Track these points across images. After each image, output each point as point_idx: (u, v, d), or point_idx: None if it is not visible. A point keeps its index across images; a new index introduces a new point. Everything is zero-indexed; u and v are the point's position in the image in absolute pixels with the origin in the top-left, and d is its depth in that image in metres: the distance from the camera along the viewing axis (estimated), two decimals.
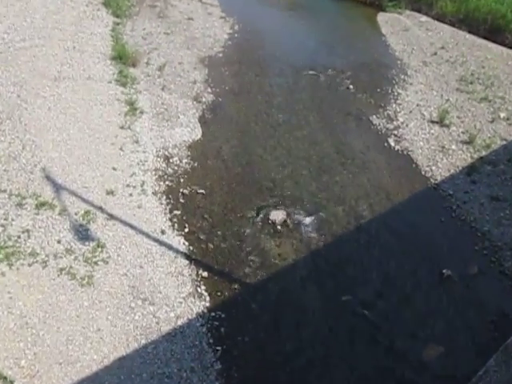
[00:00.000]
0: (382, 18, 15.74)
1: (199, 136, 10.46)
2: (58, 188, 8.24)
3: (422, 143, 10.60)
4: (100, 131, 9.59)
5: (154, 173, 9.37)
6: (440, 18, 14.87)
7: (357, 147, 10.61)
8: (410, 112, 11.51)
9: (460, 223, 8.79)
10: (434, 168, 9.95)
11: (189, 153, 10.02)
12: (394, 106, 11.78)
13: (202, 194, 9.18)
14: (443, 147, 10.39)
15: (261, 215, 8.86)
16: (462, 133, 10.74)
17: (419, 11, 15.38)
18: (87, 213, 8.02)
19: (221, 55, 13.05)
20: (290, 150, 10.37)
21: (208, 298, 7.31)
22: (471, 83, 12.23)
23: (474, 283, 7.77)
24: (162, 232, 8.19)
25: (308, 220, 8.93)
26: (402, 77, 12.78)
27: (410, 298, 7.55)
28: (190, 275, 7.54)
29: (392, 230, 8.74)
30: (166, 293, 7.20)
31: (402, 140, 10.77)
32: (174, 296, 7.18)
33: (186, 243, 8.11)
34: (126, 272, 7.34)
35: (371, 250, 8.38)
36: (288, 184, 9.57)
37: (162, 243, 7.96)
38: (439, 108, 11.31)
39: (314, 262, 8.15)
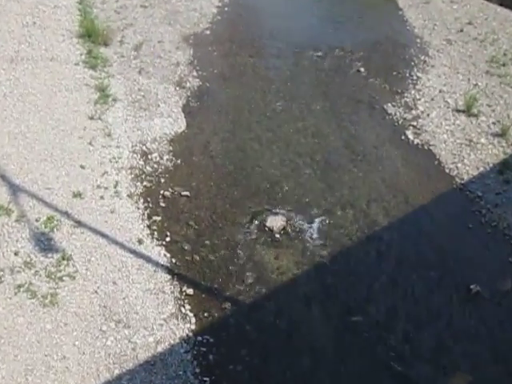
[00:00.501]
0: None
1: (183, 128, 10.57)
2: (15, 190, 8.30)
3: (445, 136, 10.69)
4: (65, 122, 9.65)
5: (129, 171, 9.46)
6: None
7: (369, 141, 10.71)
8: (432, 99, 11.61)
9: (491, 230, 8.83)
10: (459, 165, 10.06)
11: (171, 148, 10.13)
12: (412, 92, 11.85)
13: (187, 196, 9.32)
14: (471, 141, 10.47)
15: (256, 221, 8.97)
16: (493, 124, 10.79)
17: None
18: (50, 219, 8.05)
19: (208, 32, 13.14)
20: (291, 144, 10.53)
21: (194, 320, 7.33)
22: (503, 65, 12.23)
23: (507, 300, 7.78)
24: (140, 241, 8.26)
25: (312, 227, 9.06)
26: (422, 58, 12.83)
27: (432, 318, 7.52)
28: (173, 293, 7.58)
29: (411, 238, 8.82)
30: (143, 314, 7.21)
31: (423, 132, 10.83)
32: (154, 317, 7.19)
33: (168, 255, 8.17)
34: (97, 289, 7.37)
35: (387, 263, 8.41)
36: (288, 185, 9.73)
37: (139, 255, 8.03)
38: (466, 94, 11.35)
39: (318, 276, 8.18)
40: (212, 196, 9.37)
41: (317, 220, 9.17)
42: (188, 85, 11.46)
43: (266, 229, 8.88)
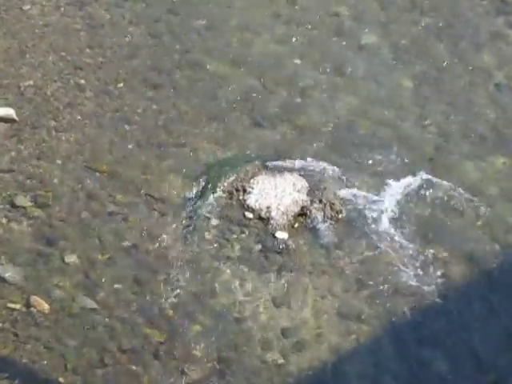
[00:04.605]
0: None
1: None
2: None
3: None
4: None
5: None
6: None
7: None
8: None
9: None
10: None
11: None
12: None
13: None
14: None
15: (216, 193, 8.52)
16: None
17: None
18: None
19: None
20: None
21: None
22: None
23: None
24: None
25: (387, 215, 8.37)
26: None
27: None
28: None
29: None
30: None
31: None
32: None
33: None
34: None
35: None
36: (316, 81, 9.74)
37: None
38: None
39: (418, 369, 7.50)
40: (80, 125, 8.93)
41: (406, 187, 8.60)
42: None
43: (249, 216, 8.24)
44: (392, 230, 8.34)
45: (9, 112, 8.82)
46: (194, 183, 8.58)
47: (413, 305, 7.89)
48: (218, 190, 8.48)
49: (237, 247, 8.05)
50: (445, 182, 8.93)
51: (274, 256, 7.95)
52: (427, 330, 7.75)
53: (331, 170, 8.67)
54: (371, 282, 7.92)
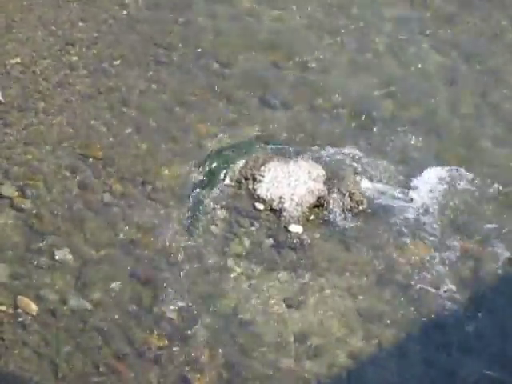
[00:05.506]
0: None
1: None
2: None
3: None
4: None
5: None
6: None
7: None
8: None
9: None
10: None
11: None
12: None
13: None
14: None
15: (223, 182, 8.22)
16: None
17: None
18: None
19: None
20: None
21: None
22: None
23: None
24: None
25: (413, 206, 8.23)
26: None
27: None
28: None
29: None
30: None
31: None
32: None
33: None
34: None
35: None
36: None
37: None
38: None
39: None
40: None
41: None
42: None
43: (260, 207, 7.97)
44: (418, 224, 8.03)
45: None
46: (199, 171, 8.30)
47: (441, 306, 7.58)
48: (225, 178, 8.23)
49: (246, 242, 7.78)
50: (477, 171, 8.60)
51: (286, 252, 7.71)
52: (457, 334, 7.38)
53: (350, 156, 8.45)
54: (395, 281, 7.60)
